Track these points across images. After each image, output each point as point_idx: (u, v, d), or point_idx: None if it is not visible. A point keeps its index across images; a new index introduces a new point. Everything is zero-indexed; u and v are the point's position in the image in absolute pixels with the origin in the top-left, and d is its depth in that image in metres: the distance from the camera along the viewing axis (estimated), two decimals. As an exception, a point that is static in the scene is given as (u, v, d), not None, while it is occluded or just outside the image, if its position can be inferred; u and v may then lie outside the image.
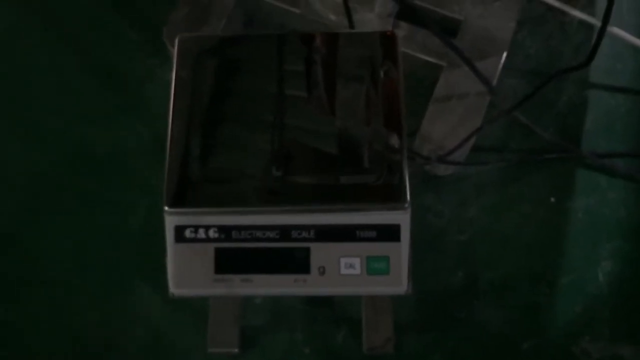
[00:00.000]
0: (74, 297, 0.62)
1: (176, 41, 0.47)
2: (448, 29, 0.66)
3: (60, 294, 0.62)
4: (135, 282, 0.62)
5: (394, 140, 0.44)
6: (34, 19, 0.72)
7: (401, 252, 0.43)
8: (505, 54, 0.65)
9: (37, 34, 0.72)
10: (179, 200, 0.43)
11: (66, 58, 0.71)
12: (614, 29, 0.66)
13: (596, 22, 0.67)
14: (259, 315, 0.61)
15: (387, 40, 0.47)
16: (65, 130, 0.68)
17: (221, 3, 0.67)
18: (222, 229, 0.43)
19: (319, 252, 0.43)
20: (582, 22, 0.69)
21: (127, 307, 0.62)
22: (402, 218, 0.43)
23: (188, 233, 0.43)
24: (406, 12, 0.66)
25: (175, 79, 0.46)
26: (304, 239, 0.43)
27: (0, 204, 0.65)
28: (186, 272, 0.43)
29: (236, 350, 0.56)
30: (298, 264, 0.43)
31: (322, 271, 0.43)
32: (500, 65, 0.65)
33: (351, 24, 0.57)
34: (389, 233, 0.43)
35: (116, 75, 0.70)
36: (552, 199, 0.65)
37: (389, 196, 0.43)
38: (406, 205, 0.42)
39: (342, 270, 0.43)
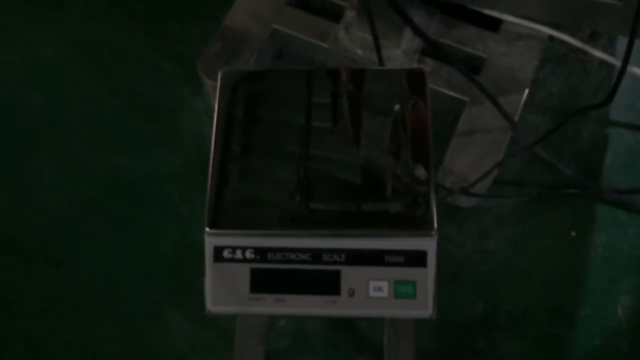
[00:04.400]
0: (106, 318, 0.64)
1: (219, 75, 0.49)
2: (472, 66, 0.68)
3: (91, 315, 0.64)
4: (165, 305, 0.63)
5: (422, 170, 0.46)
6: (71, 52, 0.75)
7: (427, 277, 0.44)
8: (527, 91, 0.67)
9: (74, 66, 0.75)
10: (218, 223, 0.45)
11: (102, 89, 0.74)
12: (634, 69, 0.68)
13: (616, 62, 0.69)
14: (282, 339, 0.62)
15: (417, 77, 0.50)
16: (100, 157, 0.70)
17: (254, 38, 0.70)
18: (258, 250, 0.45)
19: (349, 275, 0.44)
20: (602, 62, 0.71)
21: (157, 329, 0.63)
22: (429, 244, 0.44)
23: (226, 253, 0.45)
24: (432, 49, 0.68)
25: (217, 111, 0.49)
26: (335, 262, 0.44)
27: (38, 227, 0.68)
28: (223, 291, 0.45)
29: (261, 371, 0.57)
30: (329, 285, 0.44)
31: (351, 293, 0.44)
32: (522, 102, 0.67)
33: (380, 61, 0.59)
34: (416, 259, 0.44)
35: (150, 105, 0.73)
36: (573, 234, 0.66)
37: (417, 223, 0.45)
38: (433, 232, 0.44)
39: (370, 293, 0.44)
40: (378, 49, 0.58)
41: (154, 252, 0.66)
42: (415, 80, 0.49)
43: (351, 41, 0.69)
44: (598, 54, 0.69)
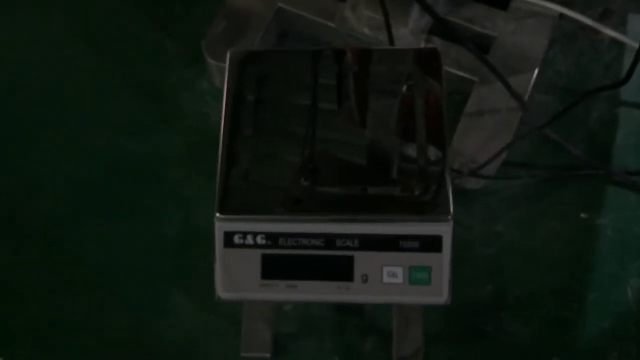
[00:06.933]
0: (111, 302, 0.63)
1: (227, 56, 0.48)
2: (481, 46, 0.67)
3: (97, 298, 0.63)
4: (170, 289, 0.63)
5: (438, 154, 0.45)
6: (74, 33, 0.74)
7: (443, 263, 0.43)
8: (537, 71, 0.66)
9: (75, 47, 0.73)
10: (229, 208, 0.44)
11: (105, 69, 0.72)
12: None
13: (628, 41, 0.68)
14: (289, 323, 0.62)
15: (432, 57, 0.48)
16: (103, 139, 0.69)
17: (259, 17, 0.68)
18: (269, 236, 0.44)
19: (363, 261, 0.44)
20: (613, 41, 0.70)
21: (162, 313, 0.62)
22: (444, 230, 0.43)
23: (237, 239, 0.44)
24: (439, 29, 0.67)
25: (226, 93, 0.47)
26: (349, 248, 0.44)
27: (42, 210, 0.67)
28: (234, 277, 0.44)
29: (268, 355, 0.56)
30: (342, 271, 0.44)
31: (365, 279, 0.44)
32: (532, 82, 0.65)
33: (391, 40, 0.58)
34: (432, 244, 0.43)
35: (153, 86, 0.72)
36: (582, 215, 0.65)
37: (433, 208, 0.44)
38: (449, 217, 0.43)
39: (384, 279, 0.44)
40: (389, 28, 0.56)
41: (159, 235, 0.65)
42: (430, 60, 0.48)
43: (358, 21, 0.68)
44: (609, 32, 0.68)
